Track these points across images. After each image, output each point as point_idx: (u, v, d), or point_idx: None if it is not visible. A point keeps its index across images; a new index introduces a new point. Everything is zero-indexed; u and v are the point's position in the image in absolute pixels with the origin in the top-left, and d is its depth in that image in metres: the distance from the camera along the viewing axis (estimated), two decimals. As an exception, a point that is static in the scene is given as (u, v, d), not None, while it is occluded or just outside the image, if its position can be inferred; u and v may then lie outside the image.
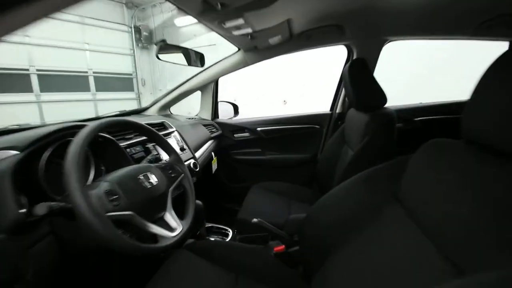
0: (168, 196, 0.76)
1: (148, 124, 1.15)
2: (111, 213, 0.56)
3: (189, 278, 0.80)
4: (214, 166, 1.68)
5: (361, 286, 0.59)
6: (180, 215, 0.79)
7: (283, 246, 0.98)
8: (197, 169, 1.21)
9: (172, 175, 0.82)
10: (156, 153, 1.02)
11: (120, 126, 0.74)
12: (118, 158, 0.90)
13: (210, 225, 1.25)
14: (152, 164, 0.78)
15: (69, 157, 0.54)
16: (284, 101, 5.28)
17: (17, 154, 0.60)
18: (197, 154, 1.40)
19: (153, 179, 0.72)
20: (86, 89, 5.47)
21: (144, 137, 1.01)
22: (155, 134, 0.83)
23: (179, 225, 0.73)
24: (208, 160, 1.57)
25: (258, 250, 0.96)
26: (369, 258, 0.61)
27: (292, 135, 1.82)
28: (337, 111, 1.73)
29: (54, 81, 4.90)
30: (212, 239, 1.17)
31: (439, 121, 1.60)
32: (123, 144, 0.94)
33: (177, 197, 0.91)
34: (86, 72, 5.45)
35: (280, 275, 0.89)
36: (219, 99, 1.93)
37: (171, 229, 0.72)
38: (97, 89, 5.63)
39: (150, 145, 1.04)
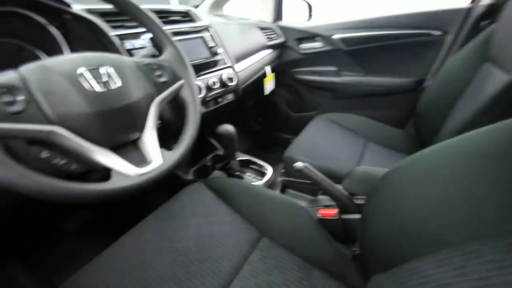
0: (149, 110, 0.48)
1: (162, 11, 0.82)
2: None
3: (196, 222, 0.59)
4: (270, 85, 1.31)
5: None
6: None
7: (335, 211, 0.64)
8: (233, 84, 0.88)
9: (162, 80, 0.51)
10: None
11: None
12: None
13: (246, 158, 0.99)
14: (126, 58, 0.49)
15: None
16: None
17: None
18: (242, 65, 1.04)
19: (112, 79, 0.43)
20: None
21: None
22: (130, 7, 0.50)
23: (158, 158, 0.46)
24: (260, 76, 1.20)
25: (294, 207, 0.65)
26: None
27: (388, 47, 1.20)
28: (485, 1, 0.98)
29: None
30: (246, 175, 0.93)
31: None
32: (118, 33, 0.66)
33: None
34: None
35: (321, 250, 0.58)
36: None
37: (142, 161, 0.45)
38: None
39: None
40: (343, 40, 1.25)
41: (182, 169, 0.92)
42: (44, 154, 0.37)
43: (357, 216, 0.62)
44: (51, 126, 0.35)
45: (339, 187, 0.72)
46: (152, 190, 0.48)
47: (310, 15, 1.46)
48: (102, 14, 0.65)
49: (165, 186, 0.66)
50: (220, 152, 1.05)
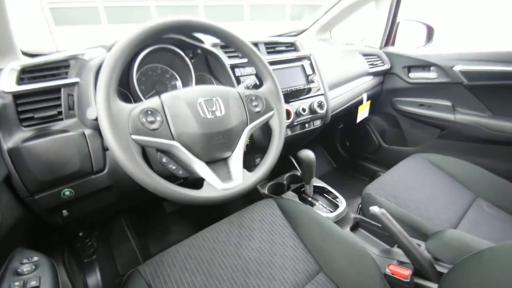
0: (241, 135, 0.57)
1: (271, 42, 0.92)
2: (139, 136, 0.45)
3: (261, 237, 0.66)
4: (363, 113, 1.25)
5: None
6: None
7: (407, 272, 0.57)
8: (322, 111, 0.90)
9: (256, 110, 0.60)
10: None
11: (175, 28, 0.53)
12: (222, 78, 0.78)
13: (322, 185, 0.98)
14: (233, 90, 0.59)
15: (104, 61, 0.45)
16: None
17: (104, 53, 0.61)
18: (336, 92, 1.05)
19: (219, 108, 0.53)
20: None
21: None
22: (243, 46, 0.60)
23: (239, 177, 0.54)
24: (353, 103, 1.17)
25: (360, 253, 0.62)
26: None
27: None
28: None
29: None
30: (318, 203, 0.92)
31: None
32: (233, 62, 0.80)
33: None
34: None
35: None
36: (403, 17, 1.29)
37: (227, 177, 0.54)
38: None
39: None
40: (466, 73, 1.06)
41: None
42: (164, 159, 0.51)
43: (434, 285, 0.54)
44: (173, 141, 0.48)
45: (421, 246, 0.64)
46: None
47: (430, 39, 1.30)
48: (222, 46, 0.80)
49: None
50: (298, 173, 1.08)
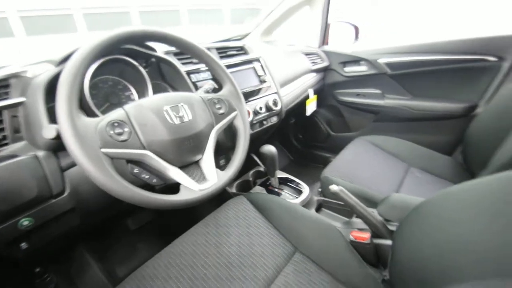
0: (209, 137, 0.59)
1: (222, 47, 0.97)
2: (109, 149, 0.45)
3: (238, 232, 0.68)
4: (311, 106, 1.38)
5: None
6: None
7: (367, 235, 0.68)
8: (277, 108, 0.97)
9: (220, 112, 0.63)
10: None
11: (130, 39, 0.53)
12: (178, 84, 0.79)
13: (285, 176, 1.07)
14: (195, 95, 0.61)
15: (61, 75, 0.43)
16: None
17: (52, 68, 0.57)
18: (286, 90, 1.14)
19: (186, 113, 0.55)
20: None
21: None
22: (201, 53, 0.63)
23: (214, 177, 0.57)
24: (302, 98, 1.28)
25: (327, 227, 0.70)
26: None
27: (437, 72, 1.18)
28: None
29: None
30: (284, 192, 1.00)
31: None
32: (188, 69, 0.81)
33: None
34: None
35: (351, 270, 0.62)
36: (334, 19, 1.46)
37: (202, 179, 0.57)
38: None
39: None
40: (389, 64, 1.26)
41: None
42: (136, 170, 0.51)
43: (389, 242, 0.65)
44: (144, 150, 0.49)
45: (373, 212, 0.75)
46: None
47: (357, 37, 1.49)
48: (175, 53, 0.81)
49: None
50: (261, 168, 1.14)
